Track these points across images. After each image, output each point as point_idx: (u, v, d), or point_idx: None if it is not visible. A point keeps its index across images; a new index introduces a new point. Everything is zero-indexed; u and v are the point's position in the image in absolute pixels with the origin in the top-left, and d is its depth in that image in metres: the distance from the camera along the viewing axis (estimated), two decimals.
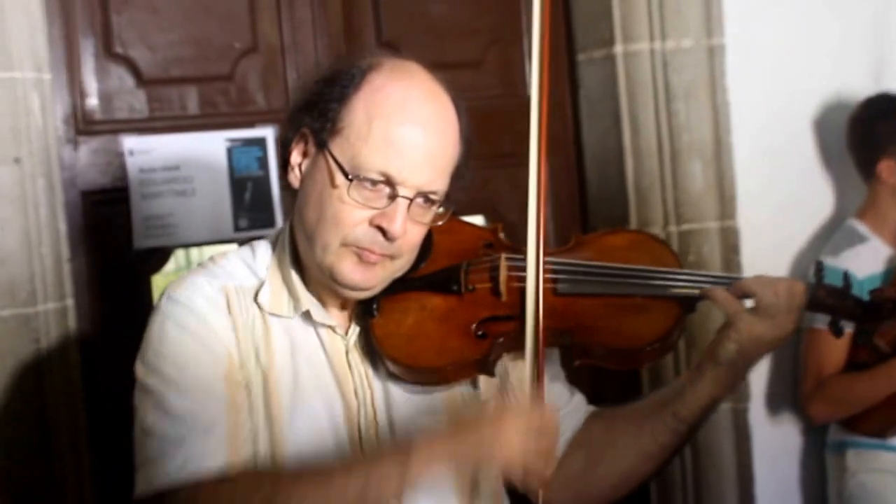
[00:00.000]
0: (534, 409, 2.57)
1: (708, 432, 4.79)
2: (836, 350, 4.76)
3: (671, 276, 2.81)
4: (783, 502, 5.09)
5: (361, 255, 2.59)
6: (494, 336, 2.74)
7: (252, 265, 2.79)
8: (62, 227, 3.92)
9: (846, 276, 2.95)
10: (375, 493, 2.44)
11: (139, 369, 2.66)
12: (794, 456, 5.13)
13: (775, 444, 5.06)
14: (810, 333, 4.81)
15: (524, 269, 2.72)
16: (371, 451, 2.65)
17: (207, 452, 2.54)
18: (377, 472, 2.47)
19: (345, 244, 2.58)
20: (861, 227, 4.90)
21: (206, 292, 2.68)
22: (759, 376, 5.01)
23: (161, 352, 2.63)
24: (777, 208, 4.86)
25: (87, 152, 4.15)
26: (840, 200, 5.15)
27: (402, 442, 2.61)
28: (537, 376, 2.67)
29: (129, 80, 4.24)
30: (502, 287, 2.78)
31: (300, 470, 2.59)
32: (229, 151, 4.24)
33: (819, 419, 4.95)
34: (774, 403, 5.08)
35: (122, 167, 4.13)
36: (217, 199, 4.22)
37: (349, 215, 2.56)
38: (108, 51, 4.21)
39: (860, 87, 5.04)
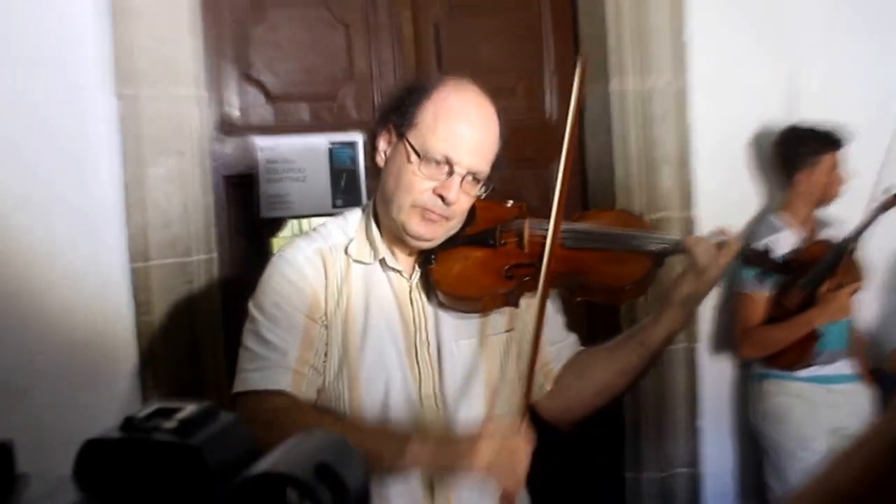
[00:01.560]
0: (511, 432, 2.55)
1: (668, 365, 4.83)
2: (758, 309, 4.80)
3: (644, 237, 2.85)
4: (719, 416, 5.10)
5: (425, 214, 2.64)
6: (518, 277, 2.78)
7: (344, 227, 2.83)
8: (210, 200, 3.97)
9: (767, 245, 3.01)
10: (374, 461, 2.44)
11: (250, 305, 2.74)
12: (728, 383, 5.13)
13: (715, 375, 5.06)
14: (741, 297, 4.85)
15: (542, 230, 2.78)
16: (386, 429, 2.66)
17: (279, 376, 2.63)
18: (382, 443, 2.48)
19: (414, 206, 2.64)
20: (778, 220, 4.90)
21: (305, 252, 2.74)
22: (704, 326, 5.02)
23: (266, 293, 2.70)
24: (722, 204, 4.85)
25: (229, 148, 4.20)
26: (765, 200, 5.15)
27: (406, 435, 2.58)
28: (541, 310, 2.70)
29: (261, 98, 4.28)
30: (526, 242, 2.83)
31: (333, 415, 2.67)
32: (330, 150, 4.25)
33: (746, 358, 4.98)
34: (716, 345, 5.09)
35: (254, 159, 4.16)
36: (321, 184, 4.23)
37: (419, 184, 2.63)
38: (247, 76, 4.25)
39: (780, 117, 5.06)
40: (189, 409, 0.89)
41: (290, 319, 2.67)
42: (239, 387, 2.66)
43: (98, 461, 0.88)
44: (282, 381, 2.63)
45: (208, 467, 0.85)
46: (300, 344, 2.66)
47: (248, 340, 2.70)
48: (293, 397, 2.63)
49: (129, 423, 0.89)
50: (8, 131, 3.53)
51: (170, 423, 0.88)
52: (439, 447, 2.51)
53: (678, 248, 2.80)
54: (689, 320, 2.88)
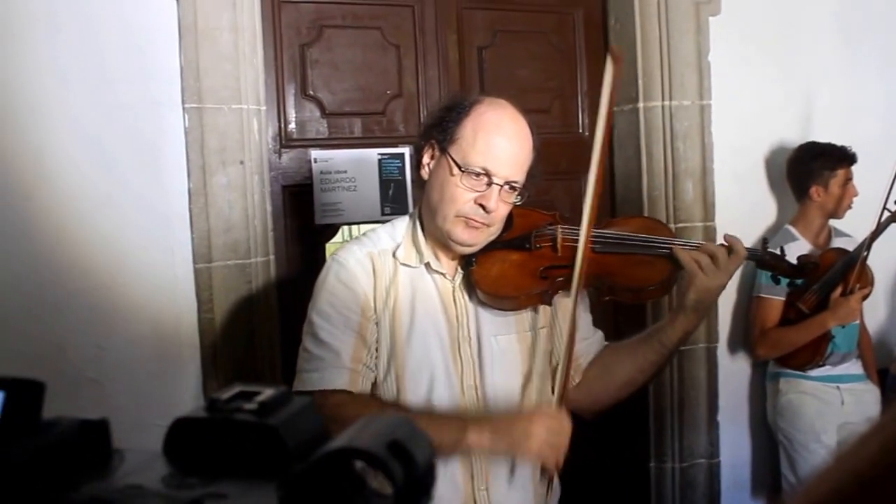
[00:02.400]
0: (555, 414, 2.64)
1: (689, 363, 4.84)
2: (773, 311, 4.83)
3: (665, 242, 2.87)
4: (737, 411, 5.10)
5: (468, 222, 2.68)
6: (552, 278, 2.82)
7: (392, 234, 2.86)
8: (268, 207, 3.98)
9: (782, 248, 3.14)
10: (437, 442, 2.47)
11: (309, 309, 2.77)
12: (745, 381, 5.13)
13: (733, 373, 5.06)
14: (757, 300, 4.88)
15: (573, 235, 2.81)
16: (446, 414, 2.71)
17: (336, 376, 2.66)
18: (443, 429, 2.52)
19: (457, 215, 2.68)
20: (793, 230, 4.92)
21: (357, 256, 2.77)
22: (723, 328, 5.02)
23: (322, 294, 2.74)
24: (741, 214, 4.85)
25: (287, 159, 4.21)
26: (780, 212, 5.15)
27: (464, 418, 2.67)
28: (574, 304, 2.73)
29: (317, 113, 4.28)
30: (559, 246, 2.85)
31: (398, 405, 2.69)
32: (380, 162, 4.26)
33: (762, 357, 4.98)
34: (734, 346, 5.08)
35: (310, 170, 4.17)
36: (370, 193, 4.24)
37: (461, 195, 2.66)
38: (304, 93, 4.26)
39: (794, 136, 5.08)
40: (267, 392, 0.91)
41: (345, 319, 2.70)
42: (298, 386, 2.69)
43: (185, 438, 0.91)
44: (339, 380, 2.66)
45: (285, 445, 0.87)
46: (354, 343, 2.69)
47: (307, 342, 2.74)
48: (352, 393, 2.66)
49: (213, 405, 0.91)
50: (99, 137, 3.59)
51: (250, 405, 0.90)
52: (495, 435, 2.57)
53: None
54: (699, 322, 2.90)
